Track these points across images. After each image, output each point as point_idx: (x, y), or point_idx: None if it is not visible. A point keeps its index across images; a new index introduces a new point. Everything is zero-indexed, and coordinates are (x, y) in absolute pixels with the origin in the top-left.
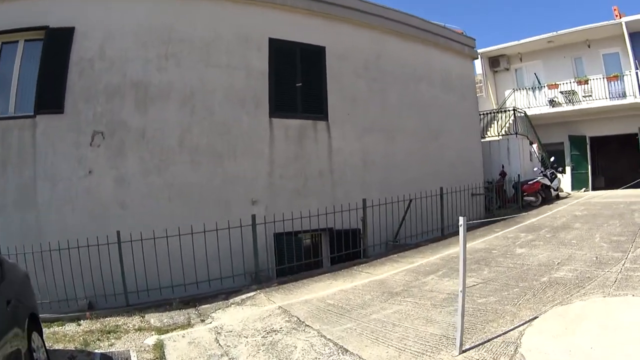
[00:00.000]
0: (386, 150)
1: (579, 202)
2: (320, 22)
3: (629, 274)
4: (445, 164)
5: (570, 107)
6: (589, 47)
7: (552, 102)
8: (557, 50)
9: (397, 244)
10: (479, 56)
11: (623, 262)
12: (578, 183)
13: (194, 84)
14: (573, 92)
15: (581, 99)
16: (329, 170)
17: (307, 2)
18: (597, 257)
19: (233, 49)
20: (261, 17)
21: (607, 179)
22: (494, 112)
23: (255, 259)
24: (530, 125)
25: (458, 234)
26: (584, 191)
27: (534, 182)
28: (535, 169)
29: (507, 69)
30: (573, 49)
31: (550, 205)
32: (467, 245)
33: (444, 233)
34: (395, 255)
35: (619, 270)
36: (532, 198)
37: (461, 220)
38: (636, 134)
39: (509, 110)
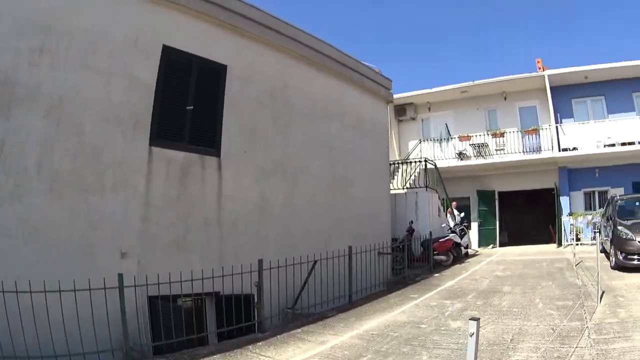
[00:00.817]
0: (288, 198)
1: (493, 261)
2: (226, 35)
3: (603, 349)
4: (352, 217)
5: (481, 161)
6: (505, 99)
7: (461, 155)
8: (470, 101)
9: (298, 314)
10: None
11: (587, 332)
12: (485, 239)
13: (65, 90)
14: (485, 145)
15: (493, 153)
16: (217, 219)
17: (214, 8)
18: (553, 329)
19: (118, 52)
20: (158, 17)
21: (510, 234)
22: (398, 162)
23: (125, 332)
24: (439, 178)
25: (367, 302)
26: (492, 247)
27: (445, 240)
28: (443, 225)
29: (414, 119)
30: (488, 101)
31: (463, 265)
32: (386, 317)
33: (352, 300)
34: (299, 330)
35: (589, 345)
36: (442, 257)
37: (472, 327)
38: (552, 189)
39: (418, 161)
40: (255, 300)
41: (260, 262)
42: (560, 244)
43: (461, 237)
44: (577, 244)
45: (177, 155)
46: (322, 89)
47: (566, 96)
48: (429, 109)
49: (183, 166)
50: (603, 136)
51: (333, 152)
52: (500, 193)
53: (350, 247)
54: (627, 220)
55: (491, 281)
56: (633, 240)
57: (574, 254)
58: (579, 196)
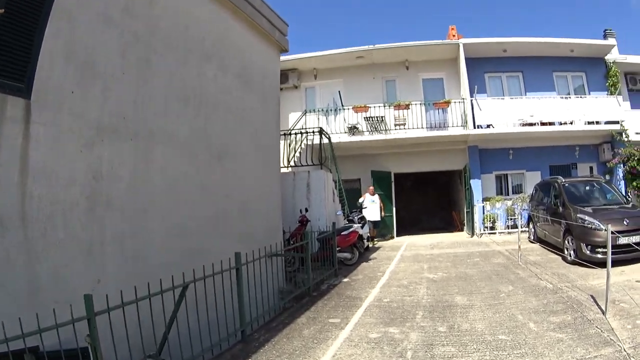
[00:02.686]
0: (138, 177)
1: (405, 256)
2: None
3: None
4: (236, 205)
5: (377, 137)
6: (407, 68)
7: (353, 130)
8: (365, 69)
9: None
10: None
11: None
12: (381, 229)
13: None
14: (381, 119)
15: (392, 128)
16: (20, 212)
17: None
18: None
19: None
20: None
21: (409, 222)
22: (284, 133)
23: None
24: (333, 155)
25: (270, 338)
26: (390, 238)
27: (350, 233)
28: (338, 212)
29: (297, 87)
30: (386, 70)
31: (372, 263)
32: None
33: (246, 336)
34: None
35: None
36: (346, 254)
37: None
38: (458, 171)
39: (311, 131)
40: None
41: (89, 301)
42: (472, 233)
43: (362, 225)
44: (494, 233)
45: None
46: (201, 15)
47: (479, 70)
48: (315, 77)
49: None
50: (522, 114)
51: (209, 110)
52: (397, 175)
53: (238, 255)
54: (584, 206)
55: (429, 288)
56: (600, 230)
57: (497, 244)
58: (490, 179)
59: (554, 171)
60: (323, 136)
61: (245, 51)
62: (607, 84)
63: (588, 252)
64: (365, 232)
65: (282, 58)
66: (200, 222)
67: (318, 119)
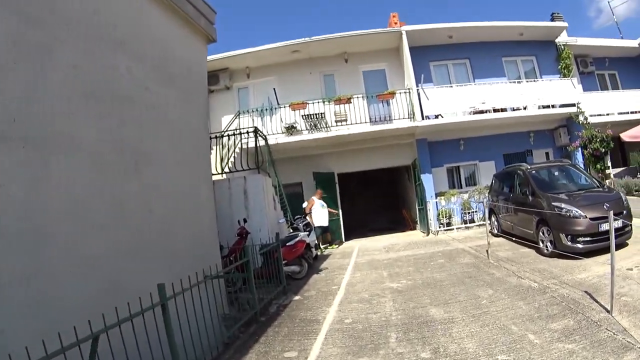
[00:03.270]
0: (32, 192)
1: (360, 263)
2: None
3: None
4: (157, 222)
5: (317, 135)
6: (346, 61)
7: (290, 129)
8: (301, 65)
9: None
10: None
11: None
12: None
13: None
14: (321, 116)
15: (333, 124)
16: None
17: None
18: None
19: None
20: None
21: (350, 225)
22: (215, 136)
23: None
24: (271, 158)
25: None
26: (339, 244)
27: (296, 243)
28: (281, 220)
29: (229, 88)
30: (324, 64)
31: (324, 275)
32: None
33: None
34: None
35: None
36: (294, 268)
37: None
38: (406, 167)
39: (245, 132)
40: None
41: None
42: (428, 232)
43: (308, 235)
44: (451, 229)
45: None
46: None
47: (423, 59)
48: (248, 76)
49: None
50: (473, 101)
51: (123, 108)
52: (341, 175)
53: (162, 288)
54: (557, 193)
55: (395, 301)
56: (579, 217)
57: (459, 242)
58: (441, 173)
59: (508, 160)
60: (259, 137)
61: (166, 40)
62: (559, 67)
63: (569, 242)
64: (312, 240)
65: (212, 57)
66: (116, 248)
67: (252, 120)
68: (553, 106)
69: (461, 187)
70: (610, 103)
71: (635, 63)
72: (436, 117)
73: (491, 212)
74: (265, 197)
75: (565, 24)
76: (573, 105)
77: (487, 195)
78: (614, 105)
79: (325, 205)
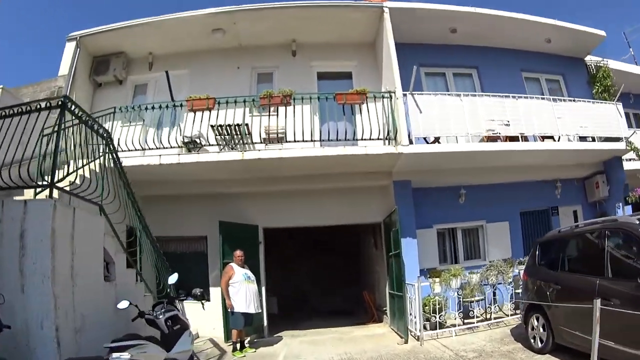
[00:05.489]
0: None
1: None
2: None
3: None
4: None
5: (237, 156)
6: (293, 54)
7: (191, 144)
8: (229, 55)
9: None
10: (78, 46)
11: None
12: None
13: None
14: (241, 129)
15: (261, 143)
16: None
17: None
18: None
19: None
20: None
21: (280, 310)
22: None
23: None
24: (121, 172)
25: None
26: (256, 340)
27: None
28: (123, 304)
29: (121, 82)
30: (261, 56)
31: None
32: None
33: None
34: None
35: None
36: None
37: None
38: (376, 224)
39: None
40: None
41: None
42: (406, 334)
43: (173, 337)
44: (445, 330)
45: None
46: None
47: (411, 62)
48: (151, 66)
49: None
50: (489, 122)
51: None
52: (269, 232)
53: None
54: None
55: None
56: None
57: None
58: (429, 238)
59: (528, 220)
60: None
61: None
62: (595, 90)
63: None
64: (182, 347)
65: (99, 29)
66: None
67: (147, 131)
68: (593, 139)
69: (456, 261)
70: None
71: None
72: (434, 141)
73: (531, 309)
74: (68, 253)
75: (603, 33)
76: (617, 139)
77: (522, 278)
78: None
79: (252, 278)
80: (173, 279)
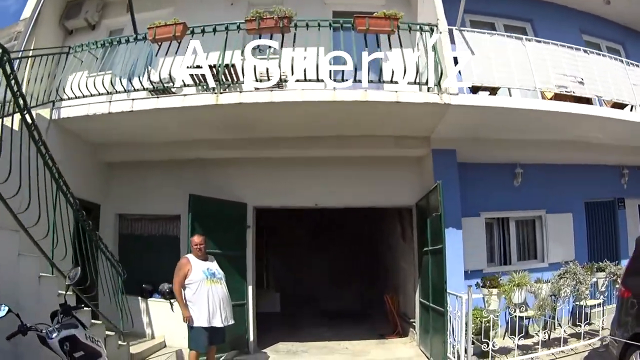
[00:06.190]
0: None
1: None
2: None
3: None
4: None
5: (225, 97)
6: None
7: (160, 89)
8: None
9: None
10: None
11: None
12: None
13: None
14: (225, 70)
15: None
16: None
17: None
18: None
19: None
20: None
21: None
22: None
23: None
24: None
25: None
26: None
27: None
28: None
29: (94, 27)
30: None
31: None
32: None
33: None
34: None
35: None
36: None
37: None
38: (404, 208)
39: None
40: None
41: None
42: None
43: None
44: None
45: None
46: None
47: (454, 7)
48: (130, 8)
49: None
50: (558, 76)
51: None
52: (262, 211)
53: None
54: None
55: None
56: None
57: None
58: (476, 230)
59: (593, 212)
60: None
61: None
62: None
63: None
64: None
65: None
66: None
67: (118, 80)
68: None
69: (507, 263)
70: None
71: None
72: (491, 92)
73: (627, 348)
74: None
75: None
76: None
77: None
78: None
79: (219, 275)
80: (71, 275)
